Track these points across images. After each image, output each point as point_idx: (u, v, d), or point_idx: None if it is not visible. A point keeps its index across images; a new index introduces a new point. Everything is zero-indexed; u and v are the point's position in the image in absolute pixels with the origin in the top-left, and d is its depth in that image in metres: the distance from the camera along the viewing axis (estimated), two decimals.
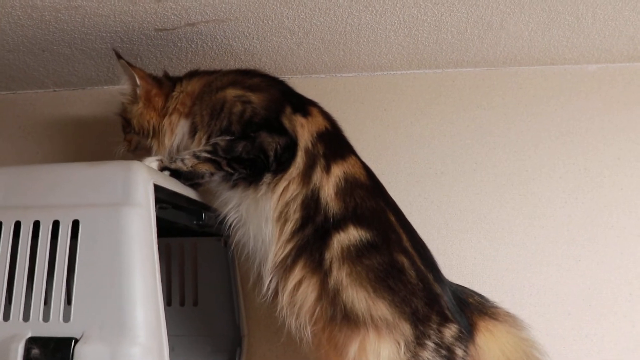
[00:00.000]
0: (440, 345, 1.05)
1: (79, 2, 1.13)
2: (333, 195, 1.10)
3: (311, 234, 1.09)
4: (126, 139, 1.31)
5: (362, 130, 1.45)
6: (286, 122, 1.14)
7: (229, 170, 1.13)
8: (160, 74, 1.29)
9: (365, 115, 1.47)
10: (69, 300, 0.89)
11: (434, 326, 1.05)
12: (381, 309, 1.04)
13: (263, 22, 1.22)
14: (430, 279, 1.09)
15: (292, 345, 1.39)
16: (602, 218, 1.40)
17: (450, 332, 1.06)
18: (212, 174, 1.14)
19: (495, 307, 1.14)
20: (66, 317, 0.87)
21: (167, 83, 1.25)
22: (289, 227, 1.10)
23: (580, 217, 1.40)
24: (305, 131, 1.14)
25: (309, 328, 1.10)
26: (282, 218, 1.11)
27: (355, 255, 1.07)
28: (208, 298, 1.38)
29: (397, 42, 1.32)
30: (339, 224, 1.08)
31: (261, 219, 1.12)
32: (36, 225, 0.93)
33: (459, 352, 1.06)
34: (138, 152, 1.30)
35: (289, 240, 1.10)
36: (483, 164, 1.43)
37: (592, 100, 1.45)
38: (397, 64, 1.44)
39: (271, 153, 1.11)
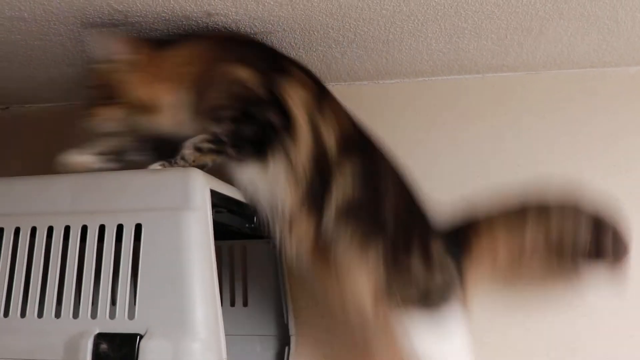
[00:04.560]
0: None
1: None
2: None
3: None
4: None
5: (404, 135, 1.49)
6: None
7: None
8: None
9: (408, 120, 1.51)
10: (133, 299, 0.95)
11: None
12: None
13: (309, 33, 1.27)
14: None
15: (340, 344, 1.44)
16: None
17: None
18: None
19: None
20: (131, 315, 0.93)
21: None
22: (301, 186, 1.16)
23: None
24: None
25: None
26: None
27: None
28: (257, 299, 1.43)
29: (438, 49, 1.36)
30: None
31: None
32: (101, 228, 1.00)
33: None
34: None
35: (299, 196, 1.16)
36: (525, 166, 1.46)
37: (633, 102, 1.47)
38: (438, 70, 1.48)
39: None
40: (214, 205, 1.02)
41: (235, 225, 1.17)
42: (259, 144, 1.14)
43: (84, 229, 1.00)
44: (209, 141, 1.13)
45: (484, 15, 1.21)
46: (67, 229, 1.01)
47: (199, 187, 1.00)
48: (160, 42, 1.23)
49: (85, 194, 1.04)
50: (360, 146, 1.21)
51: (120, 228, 0.98)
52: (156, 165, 1.12)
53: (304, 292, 1.46)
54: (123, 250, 0.97)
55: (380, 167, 1.22)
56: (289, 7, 1.16)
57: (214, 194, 1.03)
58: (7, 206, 1.07)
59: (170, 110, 1.16)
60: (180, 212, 0.97)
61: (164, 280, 0.94)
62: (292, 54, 1.34)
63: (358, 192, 1.16)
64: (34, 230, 1.03)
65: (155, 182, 1.01)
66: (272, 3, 1.15)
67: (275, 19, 1.21)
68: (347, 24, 1.23)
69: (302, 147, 1.14)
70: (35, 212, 1.05)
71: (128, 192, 1.01)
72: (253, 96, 1.14)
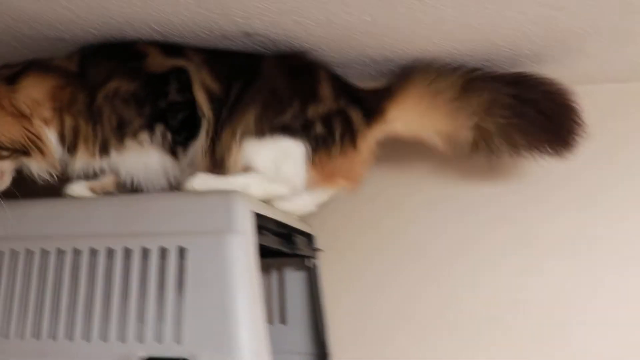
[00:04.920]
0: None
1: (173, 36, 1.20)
2: None
3: None
4: None
5: None
6: None
7: None
8: None
9: None
10: (179, 323, 0.95)
11: None
12: None
13: (346, 52, 1.27)
14: None
15: None
16: None
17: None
18: None
19: None
20: (178, 338, 0.93)
21: None
22: None
23: None
24: None
25: None
26: None
27: None
28: (295, 317, 1.43)
29: None
30: None
31: None
32: (144, 251, 1.00)
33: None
34: None
35: None
36: None
37: None
38: None
39: None
40: (257, 228, 1.02)
41: (275, 246, 1.17)
42: None
43: (127, 252, 1.00)
44: None
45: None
46: (110, 252, 1.02)
47: (242, 209, 1.00)
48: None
49: (127, 216, 1.05)
50: None
51: (163, 251, 0.99)
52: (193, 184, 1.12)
53: (342, 310, 1.46)
54: (167, 274, 0.97)
55: None
56: (327, 26, 1.16)
57: (257, 216, 1.03)
58: (51, 228, 1.08)
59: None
60: (224, 235, 0.97)
61: (210, 303, 0.94)
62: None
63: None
64: (76, 252, 1.04)
65: (199, 204, 1.01)
66: (311, 23, 1.15)
67: (313, 38, 1.21)
68: (386, 44, 1.23)
69: None
70: (78, 234, 1.06)
71: (171, 215, 1.02)
72: None
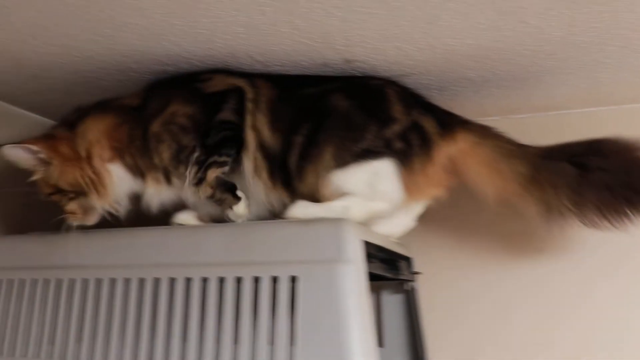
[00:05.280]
0: None
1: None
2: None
3: None
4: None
5: None
6: None
7: None
8: None
9: None
10: (292, 350, 0.96)
11: None
12: None
13: (445, 74, 1.26)
14: None
15: None
16: None
17: None
18: None
19: None
20: None
21: None
22: None
23: None
24: None
25: None
26: None
27: None
28: (392, 340, 1.42)
29: (576, 84, 1.33)
30: None
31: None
32: (255, 280, 1.01)
33: None
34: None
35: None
36: None
37: None
38: (572, 103, 1.44)
39: None
40: (366, 256, 1.02)
41: (380, 272, 1.16)
42: None
43: (238, 280, 1.02)
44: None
45: (629, 50, 1.17)
46: (221, 280, 1.03)
47: (352, 238, 1.00)
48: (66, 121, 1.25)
49: (238, 244, 1.06)
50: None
51: (274, 280, 1.00)
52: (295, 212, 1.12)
53: (441, 332, 1.45)
54: (279, 303, 0.98)
55: None
56: (429, 51, 1.16)
57: (366, 244, 1.03)
58: (162, 257, 1.11)
59: None
60: (335, 264, 0.97)
61: (322, 333, 0.94)
62: (425, 94, 1.33)
63: None
64: (188, 280, 1.06)
65: (309, 233, 1.02)
66: (412, 48, 1.15)
67: (412, 62, 1.21)
68: (486, 65, 1.22)
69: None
70: (189, 262, 1.08)
71: (281, 244, 1.03)
72: None
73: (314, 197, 1.14)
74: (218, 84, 1.22)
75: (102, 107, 1.24)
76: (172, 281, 1.08)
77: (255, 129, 1.18)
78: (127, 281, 1.11)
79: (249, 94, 1.20)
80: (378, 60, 1.20)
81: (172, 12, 1.02)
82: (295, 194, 1.17)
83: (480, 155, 1.20)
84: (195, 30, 1.08)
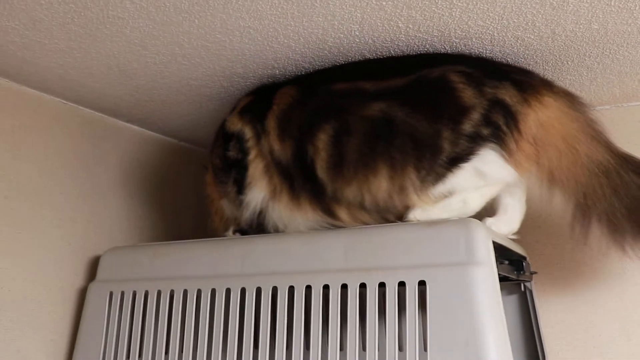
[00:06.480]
0: None
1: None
2: None
3: None
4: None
5: None
6: None
7: None
8: None
9: None
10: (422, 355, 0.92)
11: None
12: None
13: (562, 62, 1.19)
14: None
15: None
16: None
17: None
18: None
19: None
20: None
21: None
22: None
23: None
24: None
25: None
26: None
27: None
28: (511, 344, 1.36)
29: None
30: None
31: None
32: (380, 285, 0.98)
33: None
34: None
35: None
36: None
37: None
38: None
39: None
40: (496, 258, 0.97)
41: (505, 273, 1.11)
42: None
43: (360, 286, 0.99)
44: None
45: None
46: (344, 287, 1.00)
47: (482, 239, 0.95)
48: None
49: (358, 249, 1.03)
50: None
51: (401, 285, 0.96)
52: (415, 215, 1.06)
53: (558, 334, 1.38)
54: (408, 308, 0.94)
55: None
56: (550, 39, 1.10)
57: (494, 245, 0.98)
58: (279, 265, 1.08)
59: None
60: (466, 267, 0.93)
61: (454, 339, 0.90)
62: None
63: None
64: (308, 288, 1.04)
65: (435, 235, 0.97)
66: (532, 37, 1.09)
67: (530, 52, 1.15)
68: (608, 50, 1.15)
69: None
70: (309, 270, 1.05)
71: (406, 248, 0.99)
72: None
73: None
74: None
75: None
76: (291, 289, 1.05)
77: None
78: (242, 290, 1.10)
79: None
80: (494, 52, 1.14)
81: (286, 12, 0.99)
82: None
83: (564, 126, 1.06)
84: (308, 31, 1.05)
